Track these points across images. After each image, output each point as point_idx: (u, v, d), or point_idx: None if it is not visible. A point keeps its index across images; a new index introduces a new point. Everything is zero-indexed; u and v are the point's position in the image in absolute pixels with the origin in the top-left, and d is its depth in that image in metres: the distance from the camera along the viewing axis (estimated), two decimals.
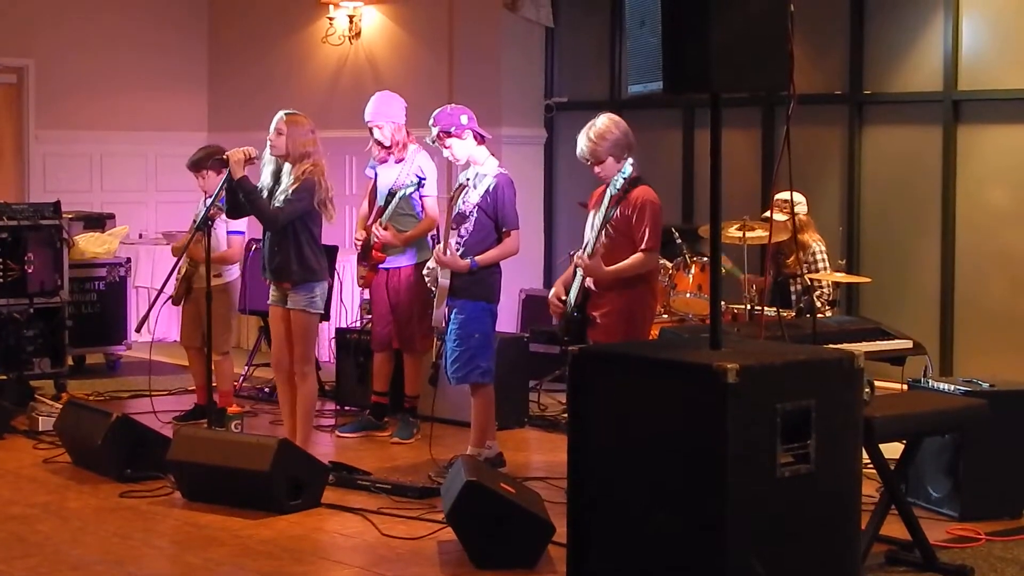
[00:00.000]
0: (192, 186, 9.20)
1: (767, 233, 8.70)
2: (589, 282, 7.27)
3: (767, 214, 8.72)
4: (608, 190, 7.23)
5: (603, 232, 7.20)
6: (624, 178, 7.12)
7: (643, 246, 7.13)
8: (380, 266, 8.76)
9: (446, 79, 11.99)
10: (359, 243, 8.81)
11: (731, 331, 7.39)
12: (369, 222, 8.83)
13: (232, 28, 14.12)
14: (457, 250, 7.69)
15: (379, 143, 8.82)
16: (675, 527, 4.93)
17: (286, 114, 7.89)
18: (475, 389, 7.82)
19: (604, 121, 7.28)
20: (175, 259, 8.89)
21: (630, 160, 7.20)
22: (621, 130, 7.26)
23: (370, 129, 8.83)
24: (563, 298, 7.38)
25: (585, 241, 7.31)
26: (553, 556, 6.09)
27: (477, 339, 7.73)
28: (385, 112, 8.80)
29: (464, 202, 7.74)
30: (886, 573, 6.03)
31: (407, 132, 8.83)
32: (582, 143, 7.26)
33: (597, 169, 7.28)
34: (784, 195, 8.86)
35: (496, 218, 7.72)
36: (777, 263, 9.39)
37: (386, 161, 8.84)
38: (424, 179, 8.68)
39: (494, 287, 7.82)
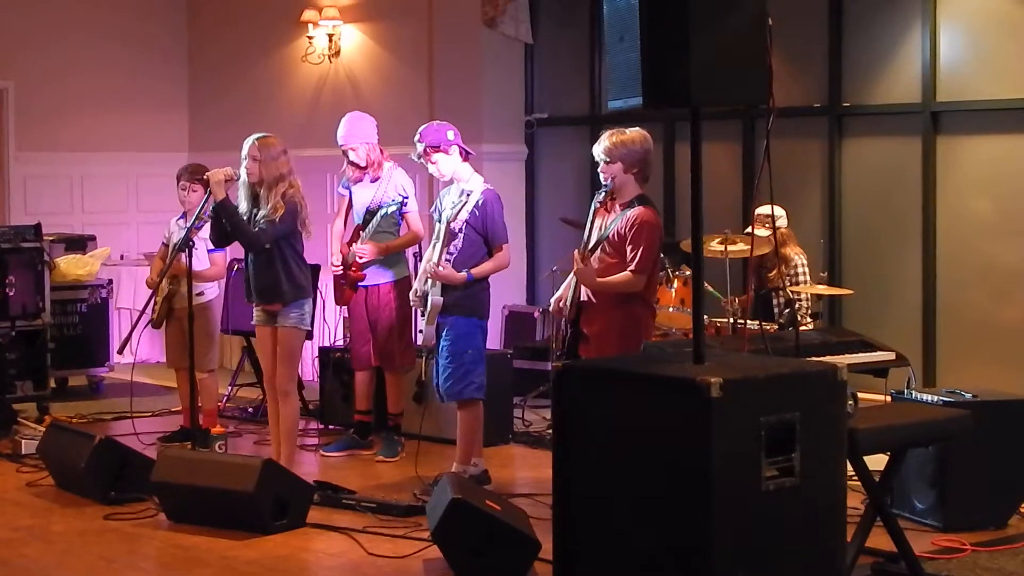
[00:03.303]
0: (173, 207, 9.19)
1: (748, 247, 8.73)
2: (584, 295, 7.25)
3: (749, 229, 8.72)
4: (593, 203, 7.23)
5: (600, 248, 7.17)
6: (606, 190, 7.10)
7: (631, 267, 7.06)
8: (359, 284, 8.76)
9: (426, 96, 12.00)
10: (338, 263, 8.81)
11: (714, 345, 7.39)
12: (346, 240, 8.84)
13: (212, 48, 14.11)
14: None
15: (355, 164, 8.83)
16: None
17: (257, 139, 7.88)
18: (465, 405, 7.81)
19: (635, 131, 7.23)
20: (153, 286, 8.88)
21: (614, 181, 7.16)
22: (644, 148, 7.21)
23: (345, 152, 8.85)
24: (564, 296, 7.37)
25: (583, 240, 7.29)
26: (539, 573, 6.10)
27: (470, 355, 7.74)
28: (358, 133, 8.82)
29: (453, 219, 7.75)
30: None
31: (380, 150, 8.85)
32: (603, 140, 7.22)
33: (603, 168, 7.23)
34: (765, 209, 8.86)
35: (485, 234, 7.73)
36: (759, 276, 9.40)
37: (360, 181, 8.86)
38: (407, 197, 8.71)
39: (484, 303, 7.84)
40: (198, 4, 14.27)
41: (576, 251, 7.24)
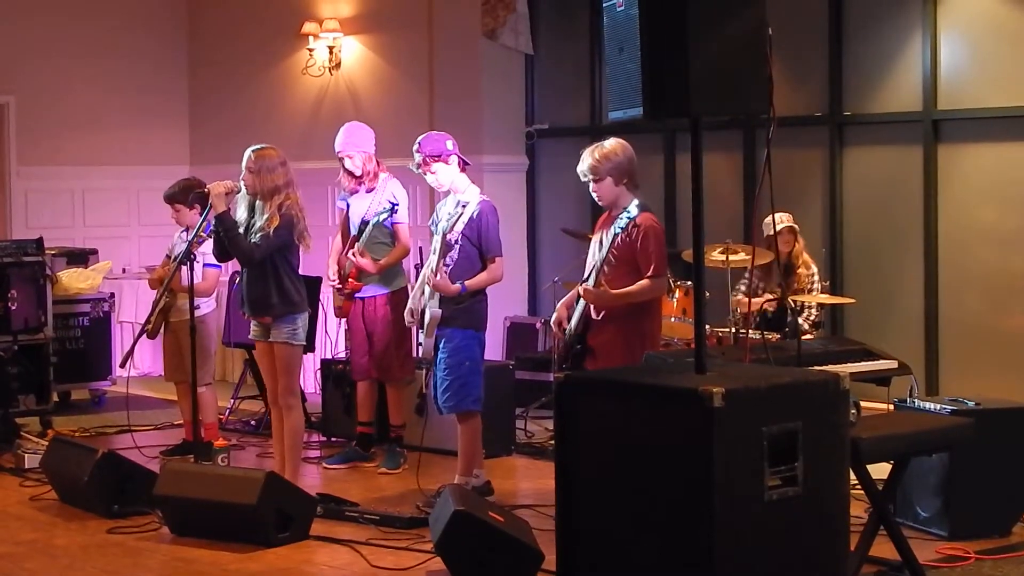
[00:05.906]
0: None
1: (749, 256, 8.72)
2: (591, 309, 7.24)
3: (770, 232, 8.70)
4: (613, 228, 7.20)
5: (605, 262, 7.16)
6: (630, 218, 7.09)
7: (649, 273, 7.08)
8: (356, 295, 8.76)
9: (427, 108, 12.00)
10: (334, 277, 8.80)
11: (716, 355, 7.38)
12: (343, 253, 8.83)
13: (212, 61, 14.12)
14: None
15: (350, 173, 8.83)
16: None
17: (254, 151, 7.82)
18: (464, 417, 7.80)
19: (613, 143, 7.26)
20: (155, 292, 8.87)
21: (636, 201, 7.16)
22: (627, 155, 7.23)
23: (341, 159, 8.85)
24: (564, 326, 7.36)
25: (588, 268, 7.29)
26: None
27: (467, 367, 7.73)
28: (355, 142, 8.83)
29: (449, 231, 7.74)
30: None
31: (377, 161, 8.85)
32: (586, 159, 7.23)
33: (594, 187, 7.24)
34: (786, 216, 9.00)
35: (480, 245, 7.72)
36: (782, 284, 9.30)
37: (357, 192, 8.86)
38: (397, 205, 8.69)
39: (481, 315, 7.82)
40: (199, 18, 14.28)
41: (580, 285, 7.25)
